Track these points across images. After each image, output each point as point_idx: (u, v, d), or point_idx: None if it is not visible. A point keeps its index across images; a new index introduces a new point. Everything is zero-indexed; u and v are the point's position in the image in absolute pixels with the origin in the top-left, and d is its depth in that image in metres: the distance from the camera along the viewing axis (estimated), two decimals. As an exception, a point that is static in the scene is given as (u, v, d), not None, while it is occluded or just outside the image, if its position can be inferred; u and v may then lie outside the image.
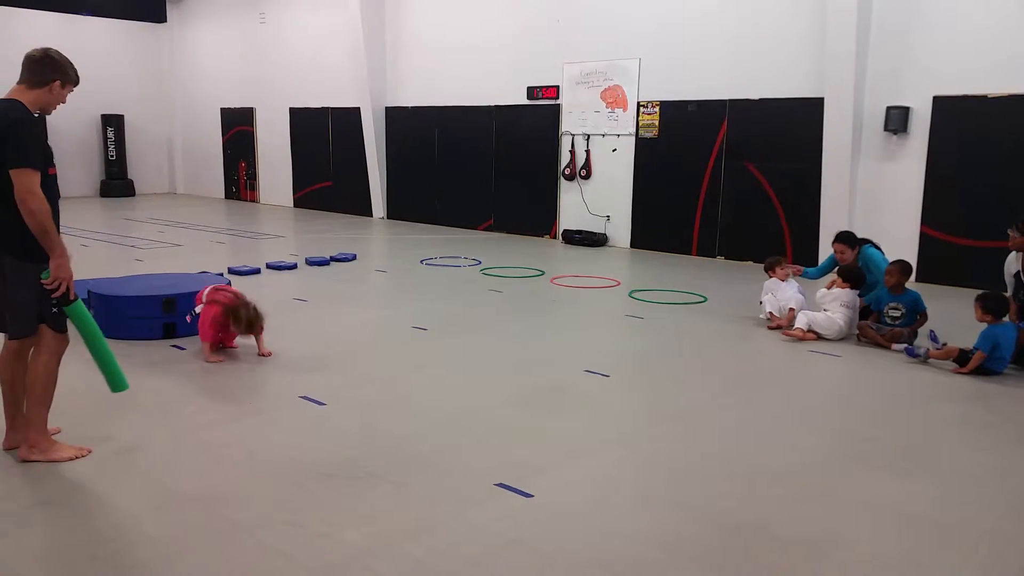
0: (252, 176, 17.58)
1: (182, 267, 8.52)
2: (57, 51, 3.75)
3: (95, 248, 10.54)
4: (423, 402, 4.68)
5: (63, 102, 3.80)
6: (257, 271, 8.79)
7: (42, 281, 3.57)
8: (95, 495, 3.43)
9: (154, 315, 5.90)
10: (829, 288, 6.45)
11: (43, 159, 3.58)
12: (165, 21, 18.79)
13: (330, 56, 15.08)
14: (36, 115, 3.66)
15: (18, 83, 3.65)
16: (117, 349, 5.57)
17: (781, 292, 6.68)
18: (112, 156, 18.14)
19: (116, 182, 18.25)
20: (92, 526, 3.15)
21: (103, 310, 5.96)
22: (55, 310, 3.67)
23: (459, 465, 3.77)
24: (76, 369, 4.64)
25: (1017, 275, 5.74)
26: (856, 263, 6.66)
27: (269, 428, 4.22)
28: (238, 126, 17.66)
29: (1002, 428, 4.46)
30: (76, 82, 3.80)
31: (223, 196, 18.38)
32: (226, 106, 17.87)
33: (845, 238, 6.79)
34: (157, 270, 8.33)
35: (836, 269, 6.66)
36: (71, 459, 3.74)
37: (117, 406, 4.43)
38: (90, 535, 3.07)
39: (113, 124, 18.04)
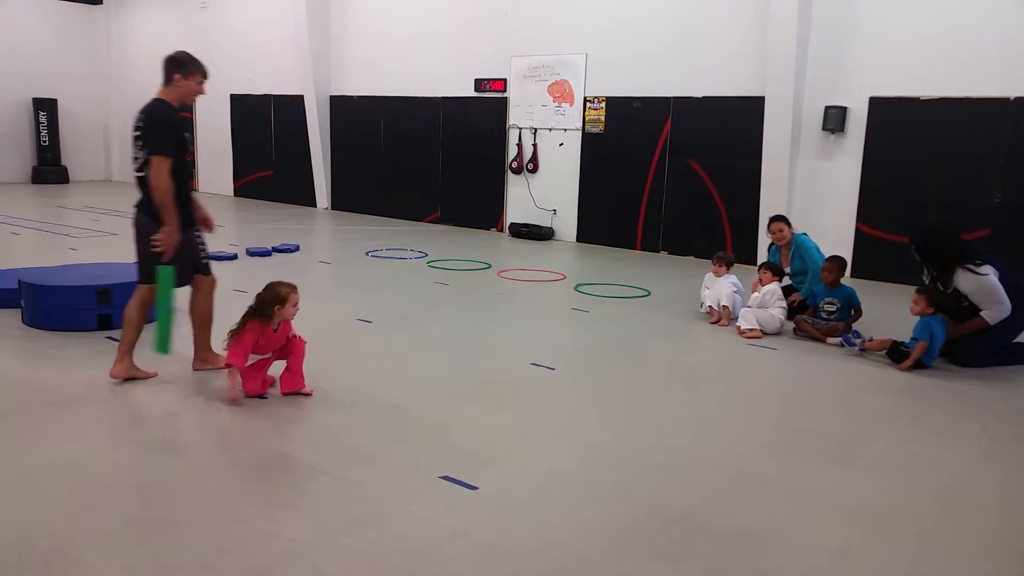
0: (191, 164, 17.19)
1: (118, 257, 8.29)
2: (183, 51, 4.65)
3: (27, 236, 10.18)
4: (367, 395, 4.64)
5: (200, 93, 4.70)
6: (197, 261, 8.59)
7: (152, 239, 4.37)
8: (24, 493, 3.32)
9: (89, 306, 5.73)
10: (756, 286, 6.58)
11: (176, 148, 4.52)
12: (101, 3, 18.21)
13: (272, 42, 14.82)
14: (177, 108, 4.62)
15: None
16: (50, 340, 5.45)
17: (717, 287, 6.79)
18: (44, 141, 17.51)
19: (49, 168, 17.63)
20: (21, 524, 3.05)
21: (36, 300, 5.77)
22: (204, 260, 4.84)
23: (403, 458, 3.76)
24: (9, 363, 4.50)
25: (932, 281, 5.92)
26: (789, 248, 6.96)
27: (208, 422, 4.14)
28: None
29: (931, 419, 4.63)
30: (202, 72, 4.66)
31: (161, 184, 17.90)
32: (165, 92, 17.39)
33: (783, 218, 7.10)
34: (92, 260, 8.09)
35: (760, 266, 6.81)
36: (226, 366, 4.37)
37: (52, 400, 4.31)
38: (20, 534, 2.97)
39: (46, 108, 17.42)
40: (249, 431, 4.04)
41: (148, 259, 4.53)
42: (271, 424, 4.15)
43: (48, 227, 11.10)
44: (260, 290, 4.51)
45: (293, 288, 4.51)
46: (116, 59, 18.36)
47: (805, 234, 7.09)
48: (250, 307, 4.48)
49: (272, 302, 4.41)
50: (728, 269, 6.89)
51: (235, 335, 4.38)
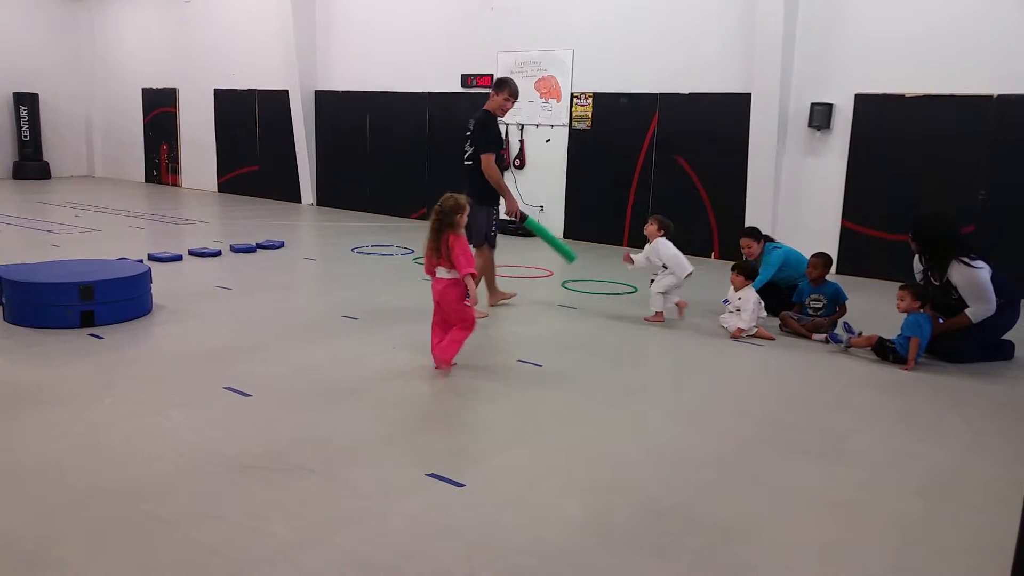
0: (174, 159, 17.07)
1: (100, 253, 8.22)
2: (506, 76, 6.92)
3: (7, 233, 10.08)
4: (352, 391, 4.62)
5: (508, 108, 6.60)
6: (179, 258, 8.55)
7: (506, 214, 6.67)
8: (7, 493, 3.28)
9: (71, 303, 5.67)
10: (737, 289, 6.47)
11: (497, 145, 6.47)
12: (83, -4, 18.05)
13: (257, 37, 14.73)
14: (496, 116, 6.51)
15: None
16: (32, 338, 5.39)
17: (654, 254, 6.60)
18: (25, 136, 17.33)
19: (30, 164, 17.45)
20: (4, 524, 3.01)
21: (17, 297, 5.71)
22: (492, 233, 6.55)
23: (390, 456, 3.74)
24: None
25: (925, 272, 5.97)
26: (760, 257, 6.86)
27: (193, 420, 4.11)
28: (160, 107, 17.10)
29: (915, 414, 4.66)
30: (510, 91, 6.51)
31: (143, 180, 17.79)
32: (148, 86, 17.27)
33: (751, 232, 7.00)
34: (74, 256, 8.01)
35: (734, 266, 6.64)
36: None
37: (34, 398, 4.26)
38: (2, 534, 2.93)
39: (27, 103, 17.23)
40: (234, 429, 4.02)
41: (478, 229, 6.31)
42: (256, 422, 4.12)
43: (30, 223, 10.98)
44: (436, 206, 4.70)
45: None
46: (99, 53, 18.19)
47: (779, 247, 6.89)
48: (436, 223, 4.63)
49: (455, 211, 4.62)
50: (663, 233, 6.61)
51: (443, 251, 4.60)
